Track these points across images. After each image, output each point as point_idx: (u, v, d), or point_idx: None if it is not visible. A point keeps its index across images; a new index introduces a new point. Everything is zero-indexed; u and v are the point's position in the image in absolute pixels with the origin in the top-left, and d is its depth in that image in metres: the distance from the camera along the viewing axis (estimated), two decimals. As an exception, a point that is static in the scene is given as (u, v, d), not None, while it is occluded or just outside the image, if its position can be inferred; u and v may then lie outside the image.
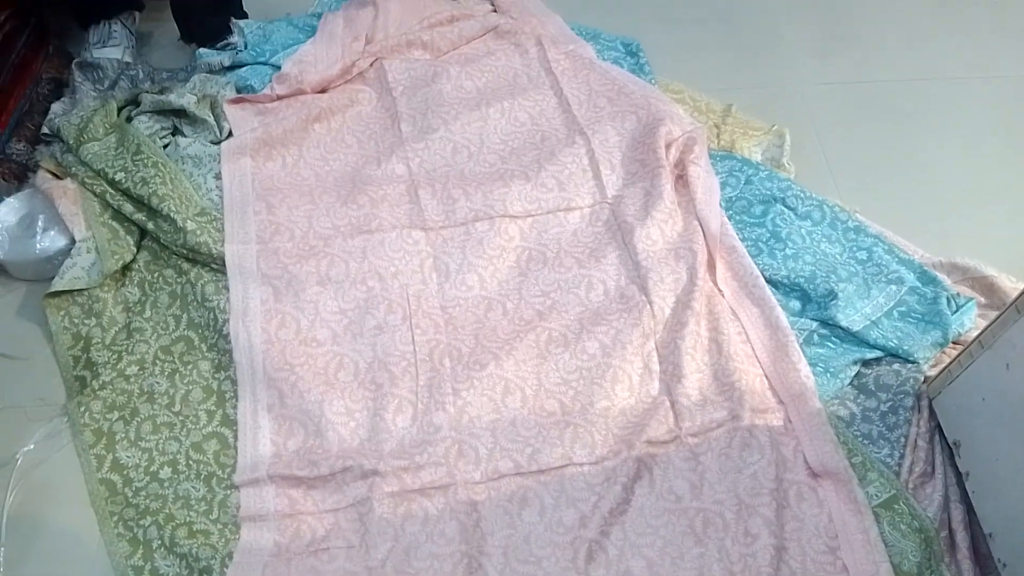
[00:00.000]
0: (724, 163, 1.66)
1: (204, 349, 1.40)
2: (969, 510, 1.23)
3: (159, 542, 1.21)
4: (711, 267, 1.49)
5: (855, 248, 1.53)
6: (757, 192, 1.59)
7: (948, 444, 1.26)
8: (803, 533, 1.19)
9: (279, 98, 1.71)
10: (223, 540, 1.21)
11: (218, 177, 1.56)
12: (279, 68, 1.77)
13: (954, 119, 1.85)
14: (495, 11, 1.98)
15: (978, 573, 1.20)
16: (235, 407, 1.33)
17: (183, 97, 1.62)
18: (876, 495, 1.22)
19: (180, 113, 1.63)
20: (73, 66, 1.72)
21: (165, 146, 1.60)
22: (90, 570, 1.20)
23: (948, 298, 1.42)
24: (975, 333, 1.23)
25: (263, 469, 1.26)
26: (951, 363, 1.24)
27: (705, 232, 1.52)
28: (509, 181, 1.59)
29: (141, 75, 1.74)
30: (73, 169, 1.54)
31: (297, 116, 1.64)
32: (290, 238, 1.49)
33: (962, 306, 1.41)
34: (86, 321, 1.42)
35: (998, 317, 1.12)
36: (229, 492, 1.26)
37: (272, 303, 1.41)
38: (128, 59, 1.78)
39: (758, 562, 1.15)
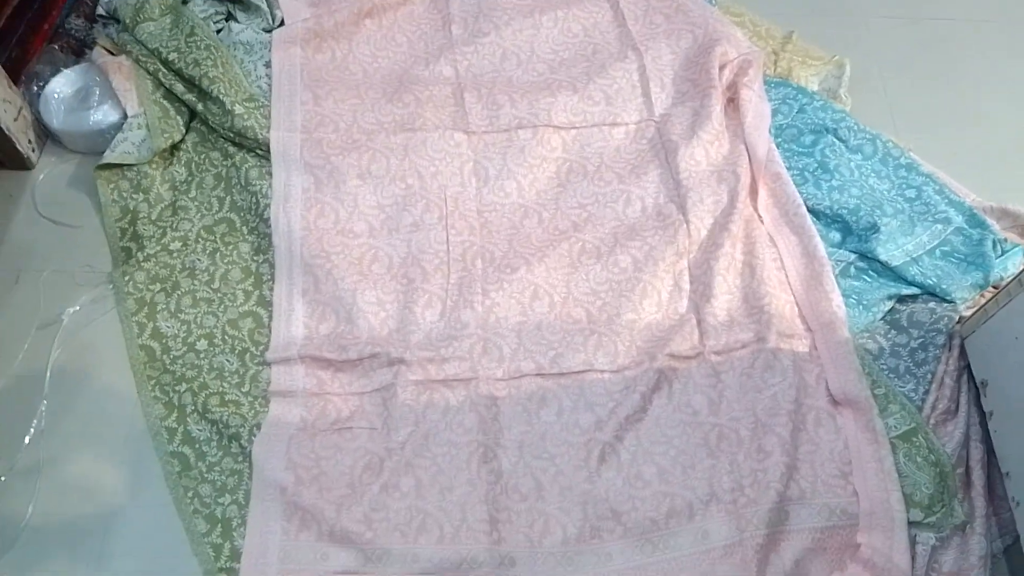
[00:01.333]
0: (778, 90, 1.62)
1: (245, 231, 1.43)
2: (989, 451, 1.22)
3: (192, 407, 1.27)
4: (753, 192, 1.47)
5: (904, 186, 1.49)
6: (809, 121, 1.55)
7: (975, 384, 1.25)
8: (817, 456, 1.20)
9: None
10: (252, 411, 1.26)
11: (268, 65, 1.57)
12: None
13: (1018, 64, 1.77)
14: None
15: (991, 511, 1.20)
16: (271, 289, 1.37)
17: None
18: (895, 427, 1.21)
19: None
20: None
21: (218, 31, 1.61)
22: (127, 428, 1.26)
23: (994, 241, 1.38)
24: (1018, 276, 1.21)
25: (295, 349, 1.30)
26: (987, 302, 1.22)
27: (751, 157, 1.49)
28: (556, 91, 1.57)
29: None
30: (128, 47, 1.56)
31: (349, 10, 1.64)
32: (334, 130, 1.50)
33: (1008, 251, 1.38)
34: (134, 195, 1.46)
35: (1043, 256, 1.10)
36: (261, 368, 1.31)
37: (313, 192, 1.43)
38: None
39: (768, 477, 1.16)
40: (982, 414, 1.24)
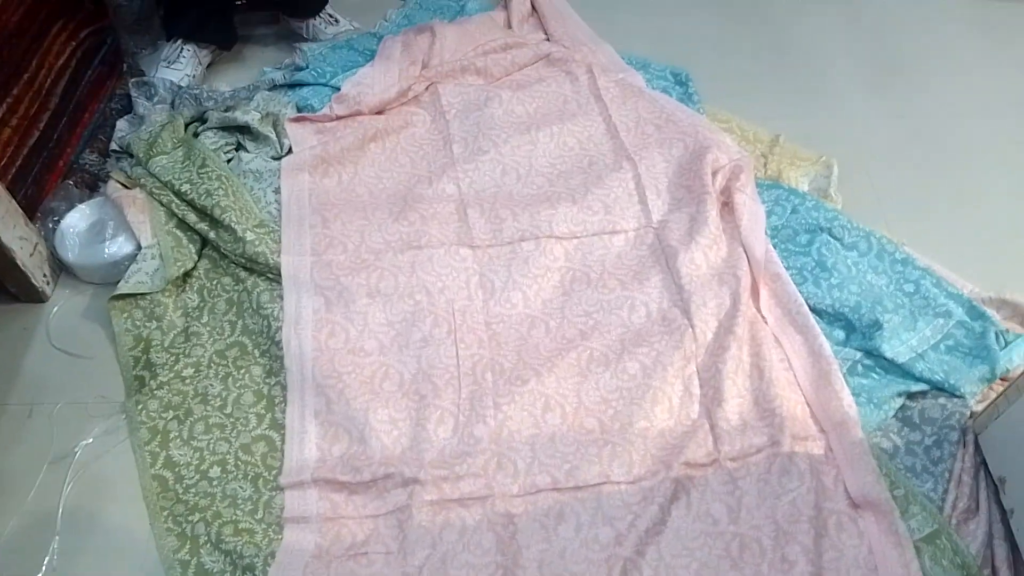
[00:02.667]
0: (770, 192, 1.67)
1: (257, 355, 1.45)
2: (1013, 548, 1.20)
3: (206, 538, 1.25)
4: (755, 293, 1.50)
5: (902, 280, 1.52)
6: (803, 221, 1.60)
7: (993, 481, 1.24)
8: (842, 563, 1.18)
9: (338, 118, 1.78)
10: (267, 539, 1.25)
11: (277, 191, 1.62)
12: (338, 89, 1.84)
13: (1004, 154, 1.84)
14: (548, 40, 2.03)
15: (1022, 613, 1.17)
16: (284, 412, 1.37)
17: (247, 114, 1.69)
18: (918, 529, 1.20)
19: (244, 130, 1.71)
20: (130, 83, 1.81)
21: (229, 161, 1.67)
22: (140, 562, 1.24)
23: (997, 333, 1.40)
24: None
25: (308, 473, 1.29)
26: (998, 397, 1.23)
27: (750, 259, 1.53)
28: (556, 203, 1.63)
29: (205, 94, 1.82)
30: (142, 180, 1.62)
31: (354, 135, 1.71)
32: (343, 251, 1.54)
33: (1011, 342, 1.39)
34: (147, 324, 1.48)
35: (1047, 351, 1.11)
36: (274, 493, 1.30)
37: (323, 313, 1.46)
38: (184, 84, 1.86)
39: (795, 589, 1.14)
40: (1003, 511, 1.22)
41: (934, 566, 1.16)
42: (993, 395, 1.29)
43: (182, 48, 1.90)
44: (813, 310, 1.46)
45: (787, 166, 1.75)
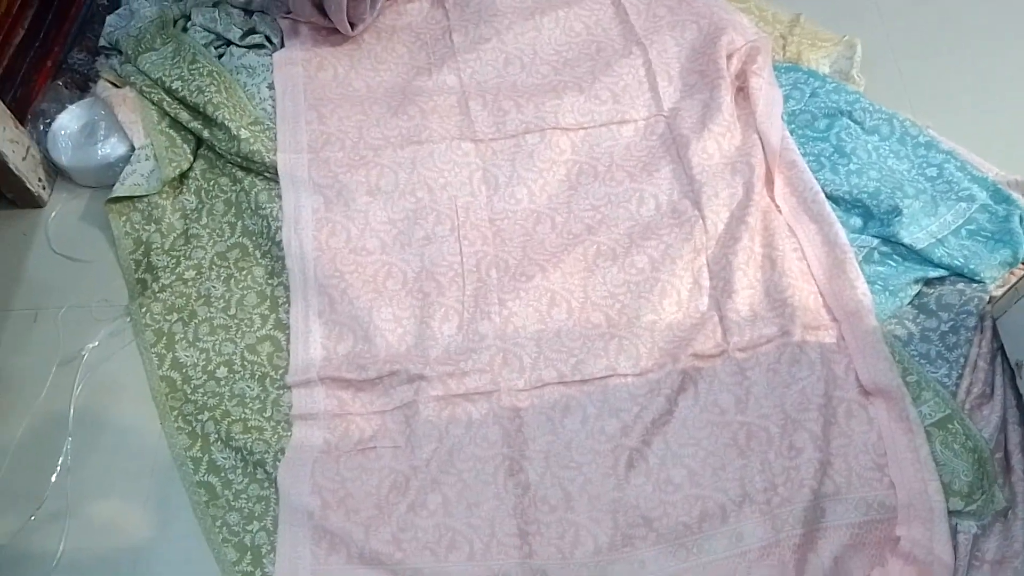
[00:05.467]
0: (788, 75, 1.58)
1: (258, 255, 1.43)
2: (1028, 434, 1.19)
3: (216, 436, 1.27)
4: (769, 182, 1.44)
5: (925, 164, 1.45)
6: (822, 105, 1.52)
7: (1010, 366, 1.21)
8: (850, 449, 1.17)
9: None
10: (276, 436, 1.26)
11: (271, 87, 1.57)
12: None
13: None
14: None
15: (1033, 496, 1.16)
16: (288, 312, 1.36)
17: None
18: (930, 414, 1.18)
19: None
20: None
21: (220, 56, 1.61)
22: (152, 460, 1.26)
23: (1021, 217, 1.34)
24: (1048, 251, 1.17)
25: (314, 371, 1.29)
26: (1019, 281, 1.18)
27: (765, 146, 1.46)
28: (562, 93, 1.56)
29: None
30: (132, 78, 1.57)
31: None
32: (341, 148, 1.50)
33: (1036, 225, 1.34)
34: (146, 227, 1.46)
35: (1074, 231, 1.06)
36: (282, 392, 1.30)
37: (323, 212, 1.43)
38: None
39: (801, 474, 1.13)
40: (1019, 396, 1.20)
41: (944, 450, 1.15)
42: (1014, 279, 1.24)
43: None
44: (830, 197, 1.41)
45: (807, 47, 1.65)
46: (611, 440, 1.20)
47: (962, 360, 1.23)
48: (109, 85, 1.58)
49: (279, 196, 1.45)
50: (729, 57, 1.56)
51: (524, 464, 1.19)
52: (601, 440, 1.20)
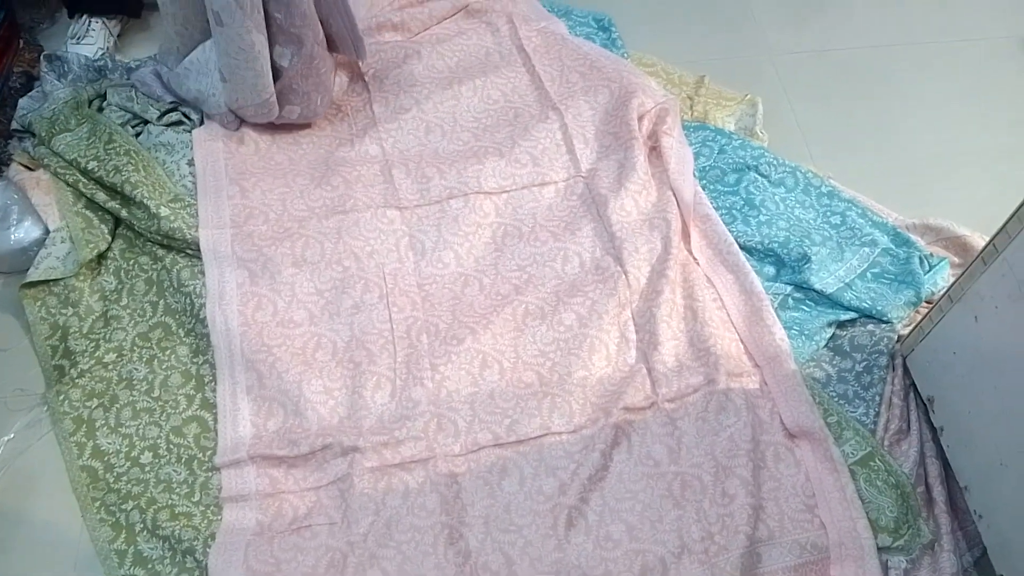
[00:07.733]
0: (697, 133, 1.66)
1: (182, 334, 1.40)
2: (945, 465, 1.24)
3: (141, 525, 1.22)
4: (685, 236, 1.50)
5: (828, 213, 1.54)
6: (730, 161, 1.60)
7: (923, 401, 1.28)
8: (780, 492, 1.20)
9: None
10: (205, 521, 1.22)
11: (191, 163, 1.55)
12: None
13: (924, 83, 1.86)
14: (466, -10, 1.97)
15: (956, 526, 1.21)
16: (214, 390, 1.33)
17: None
18: (852, 453, 1.23)
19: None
20: (41, 58, 1.71)
21: (137, 135, 1.60)
22: (74, 555, 1.20)
23: (921, 258, 1.43)
24: (946, 290, 1.24)
25: (244, 450, 1.26)
26: (923, 319, 1.25)
27: (679, 201, 1.52)
28: (483, 158, 1.59)
29: (110, 65, 1.73)
30: (46, 160, 1.53)
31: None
32: (264, 221, 1.49)
33: (935, 265, 1.42)
34: (63, 311, 1.41)
35: (965, 270, 1.13)
36: (210, 474, 1.26)
37: (248, 286, 1.41)
38: (97, 59, 1.76)
39: (735, 521, 1.16)
40: (933, 429, 1.26)
41: (869, 487, 1.19)
42: (919, 318, 1.31)
43: (89, 22, 1.79)
44: (744, 248, 1.47)
45: (713, 107, 1.75)
46: (549, 500, 1.20)
47: (878, 398, 1.28)
48: (22, 168, 1.55)
49: (202, 272, 1.42)
50: (640, 118, 1.63)
51: (464, 531, 1.18)
52: (539, 500, 1.21)
